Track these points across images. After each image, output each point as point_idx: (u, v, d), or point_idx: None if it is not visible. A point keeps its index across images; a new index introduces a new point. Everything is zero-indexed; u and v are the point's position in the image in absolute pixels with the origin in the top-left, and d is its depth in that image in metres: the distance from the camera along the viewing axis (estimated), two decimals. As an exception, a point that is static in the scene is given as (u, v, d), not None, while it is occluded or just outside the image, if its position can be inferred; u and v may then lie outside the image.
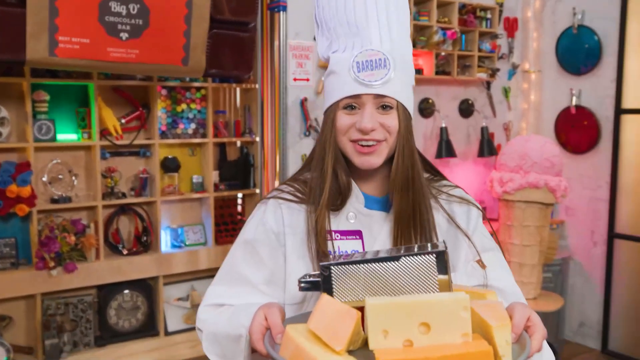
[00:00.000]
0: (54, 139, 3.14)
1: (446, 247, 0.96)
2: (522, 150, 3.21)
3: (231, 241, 3.58)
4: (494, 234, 1.30)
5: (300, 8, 3.29)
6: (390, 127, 1.12)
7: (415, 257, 0.95)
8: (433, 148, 3.80)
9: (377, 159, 1.13)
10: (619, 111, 3.52)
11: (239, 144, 3.76)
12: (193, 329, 3.58)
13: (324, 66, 3.35)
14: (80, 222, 3.23)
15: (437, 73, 3.60)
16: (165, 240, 3.58)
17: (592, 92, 3.68)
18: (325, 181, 1.15)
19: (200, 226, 3.70)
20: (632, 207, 3.53)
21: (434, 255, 0.94)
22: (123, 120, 3.37)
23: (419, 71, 3.48)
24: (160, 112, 3.44)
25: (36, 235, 3.09)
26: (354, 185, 1.18)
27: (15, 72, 2.98)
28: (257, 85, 3.53)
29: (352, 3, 1.14)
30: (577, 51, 3.71)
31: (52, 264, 3.07)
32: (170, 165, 3.51)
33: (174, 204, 3.64)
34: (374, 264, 0.95)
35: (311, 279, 1.02)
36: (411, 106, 1.17)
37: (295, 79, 3.28)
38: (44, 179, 3.18)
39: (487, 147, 3.77)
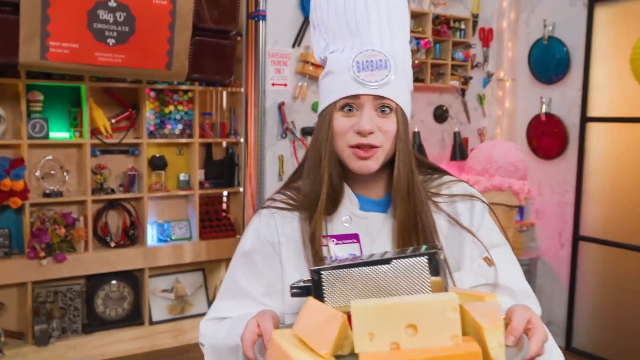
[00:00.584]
0: (47, 136, 3.34)
1: (440, 249, 0.94)
2: (488, 155, 3.39)
3: (215, 237, 3.81)
4: (501, 227, 1.24)
5: (279, 17, 3.50)
6: (389, 131, 1.09)
7: (407, 259, 0.93)
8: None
9: (374, 164, 1.10)
10: (585, 119, 3.68)
11: (224, 144, 3.96)
12: (176, 319, 3.77)
13: (301, 72, 3.55)
14: (70, 216, 3.43)
15: (411, 80, 3.78)
16: (151, 234, 3.77)
17: (561, 100, 3.85)
18: (322, 186, 1.12)
19: (185, 222, 3.89)
20: (597, 211, 3.69)
21: (426, 257, 0.92)
22: (113, 120, 3.57)
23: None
24: (148, 113, 3.64)
25: (28, 227, 3.28)
26: (346, 188, 1.16)
27: (11, 73, 3.17)
28: (242, 89, 3.72)
29: (352, 5, 1.11)
30: (548, 61, 3.89)
31: (42, 254, 3.26)
32: (157, 164, 3.70)
33: (161, 200, 3.83)
34: (365, 268, 0.93)
35: (302, 284, 1.00)
36: (409, 112, 1.15)
37: (273, 84, 3.48)
38: (37, 174, 3.38)
39: (459, 151, 3.95)
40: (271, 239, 1.17)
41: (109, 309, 3.61)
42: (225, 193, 3.99)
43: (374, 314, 0.83)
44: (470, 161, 3.47)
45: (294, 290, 1.00)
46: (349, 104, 1.09)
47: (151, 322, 3.72)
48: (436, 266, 0.92)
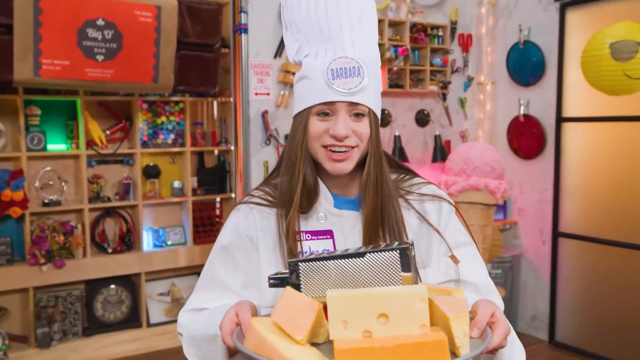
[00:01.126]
0: (44, 149, 3.52)
1: (411, 245, 0.98)
2: (465, 156, 3.52)
3: (209, 241, 3.97)
4: (467, 227, 1.29)
5: (261, 30, 3.67)
6: (363, 134, 1.14)
7: (380, 253, 0.97)
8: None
9: (348, 165, 1.15)
10: (560, 119, 3.81)
11: (216, 152, 4.12)
12: (173, 321, 3.90)
13: (282, 81, 3.72)
14: (68, 224, 3.60)
15: (390, 86, 3.95)
16: (147, 240, 3.93)
17: (538, 102, 3.99)
18: (297, 185, 1.16)
19: (180, 227, 4.06)
20: (574, 208, 3.81)
21: (398, 251, 0.97)
22: (108, 132, 3.75)
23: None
24: (141, 124, 3.81)
25: (29, 235, 3.45)
26: (322, 185, 1.20)
27: (9, 90, 3.35)
28: (231, 99, 3.89)
29: (323, 7, 1.14)
30: (525, 64, 4.02)
31: (42, 260, 3.43)
32: (151, 172, 3.87)
33: (156, 207, 4.00)
34: (340, 261, 0.98)
35: (280, 275, 1.03)
36: (379, 112, 1.19)
37: (256, 94, 3.65)
38: (36, 184, 3.56)
39: (440, 153, 4.10)
40: (249, 233, 1.20)
41: (108, 313, 3.77)
42: (218, 199, 4.15)
43: (348, 303, 0.87)
44: (449, 162, 3.61)
45: (272, 281, 1.03)
46: (324, 110, 1.13)
47: (149, 325, 3.87)
48: (407, 261, 0.97)
